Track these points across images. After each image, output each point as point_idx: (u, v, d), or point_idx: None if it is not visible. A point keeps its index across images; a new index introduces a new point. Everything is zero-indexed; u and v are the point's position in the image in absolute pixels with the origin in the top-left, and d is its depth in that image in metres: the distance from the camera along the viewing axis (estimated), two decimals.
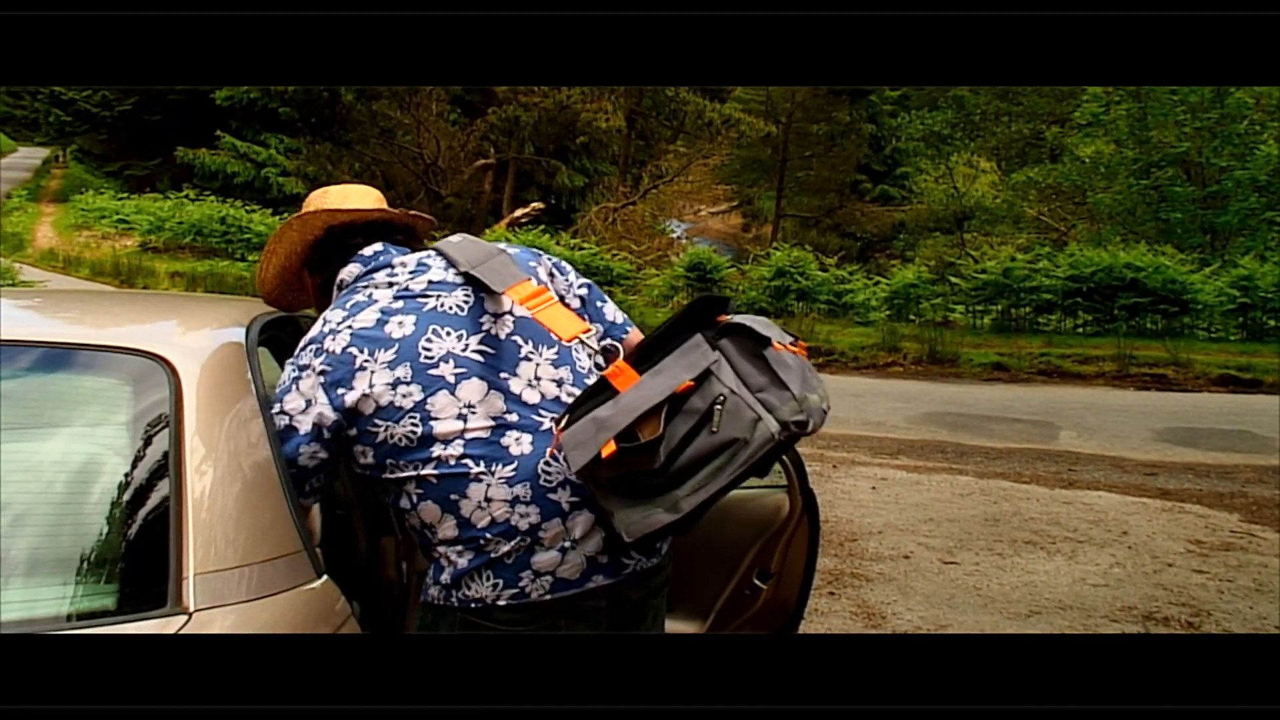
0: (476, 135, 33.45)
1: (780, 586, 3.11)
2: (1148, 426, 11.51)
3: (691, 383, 1.97)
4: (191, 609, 1.75)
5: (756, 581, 3.09)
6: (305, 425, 2.13)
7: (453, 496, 2.10)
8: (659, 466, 1.93)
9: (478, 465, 2.10)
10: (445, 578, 2.13)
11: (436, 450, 2.11)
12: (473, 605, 2.09)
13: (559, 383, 2.21)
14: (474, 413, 2.12)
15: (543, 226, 25.68)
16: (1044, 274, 19.41)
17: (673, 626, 3.17)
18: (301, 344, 2.23)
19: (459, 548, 2.11)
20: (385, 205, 2.54)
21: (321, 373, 2.15)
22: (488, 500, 2.09)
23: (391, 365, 2.14)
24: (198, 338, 2.32)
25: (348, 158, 33.33)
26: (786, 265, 21.43)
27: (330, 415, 2.13)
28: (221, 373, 2.16)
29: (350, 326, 2.19)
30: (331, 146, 33.14)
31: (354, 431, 2.14)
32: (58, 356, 2.13)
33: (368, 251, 2.38)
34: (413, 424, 2.11)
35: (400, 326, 2.19)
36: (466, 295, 2.25)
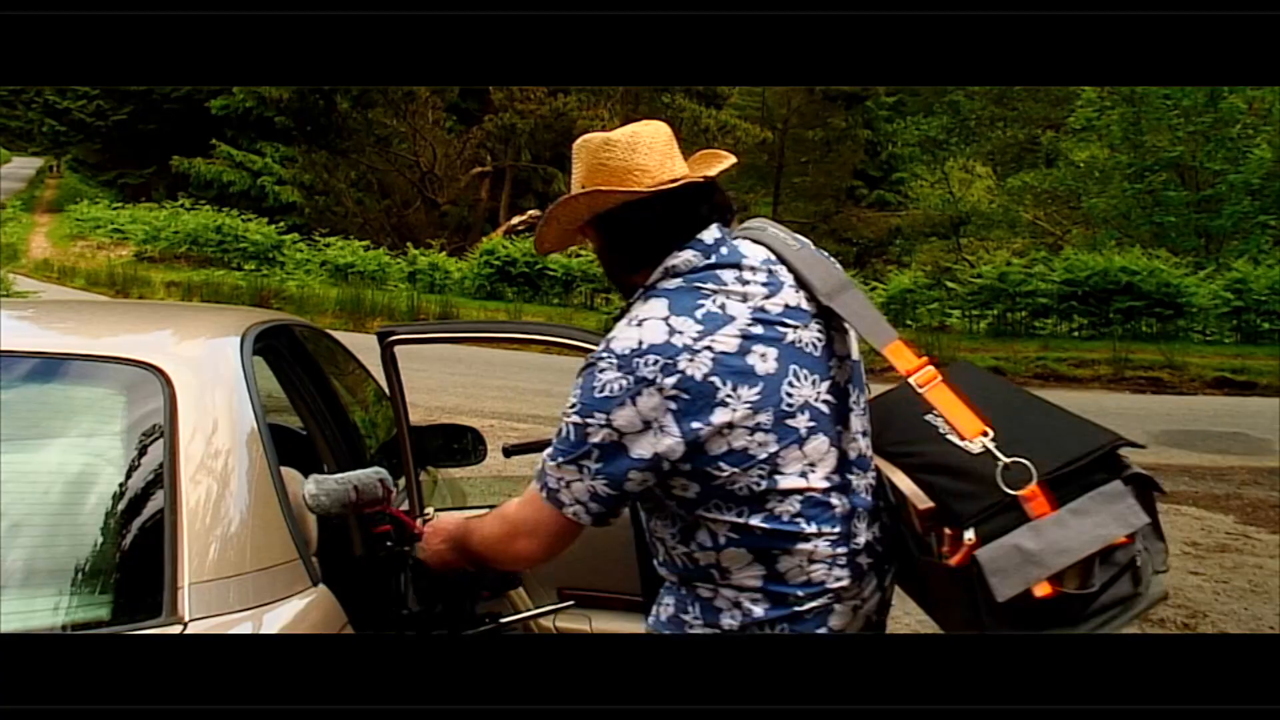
0: (473, 143, 33.42)
1: None
2: (1143, 429, 11.50)
3: (1127, 539, 1.89)
4: (187, 618, 1.75)
5: None
6: (642, 449, 1.91)
7: (774, 551, 1.96)
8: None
9: (810, 525, 1.97)
10: (729, 622, 1.99)
11: (772, 504, 1.95)
12: None
13: (864, 434, 2.08)
14: (814, 470, 1.98)
15: None
16: (1040, 278, 19.45)
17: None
18: (636, 345, 1.93)
19: (756, 595, 1.98)
20: (679, 157, 2.16)
21: (673, 398, 1.89)
22: (810, 561, 1.97)
23: (755, 408, 1.92)
24: (192, 347, 2.32)
25: (344, 166, 33.29)
26: None
27: (679, 449, 1.90)
28: (216, 382, 2.16)
29: (710, 348, 1.92)
30: (328, 155, 33.05)
31: (687, 466, 1.92)
32: (52, 367, 2.13)
33: (706, 238, 2.07)
34: (759, 475, 1.93)
35: (763, 360, 1.95)
36: (820, 331, 2.04)
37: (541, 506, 2.00)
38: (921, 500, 1.97)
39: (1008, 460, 1.90)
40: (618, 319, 2.06)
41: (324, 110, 32.18)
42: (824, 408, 2.00)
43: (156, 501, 1.88)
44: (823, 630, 1.99)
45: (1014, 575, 1.84)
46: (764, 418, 1.92)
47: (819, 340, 2.02)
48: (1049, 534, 1.85)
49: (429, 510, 2.90)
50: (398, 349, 3.16)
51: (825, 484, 1.98)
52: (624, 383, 1.91)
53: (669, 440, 1.90)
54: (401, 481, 3.06)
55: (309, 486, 2.29)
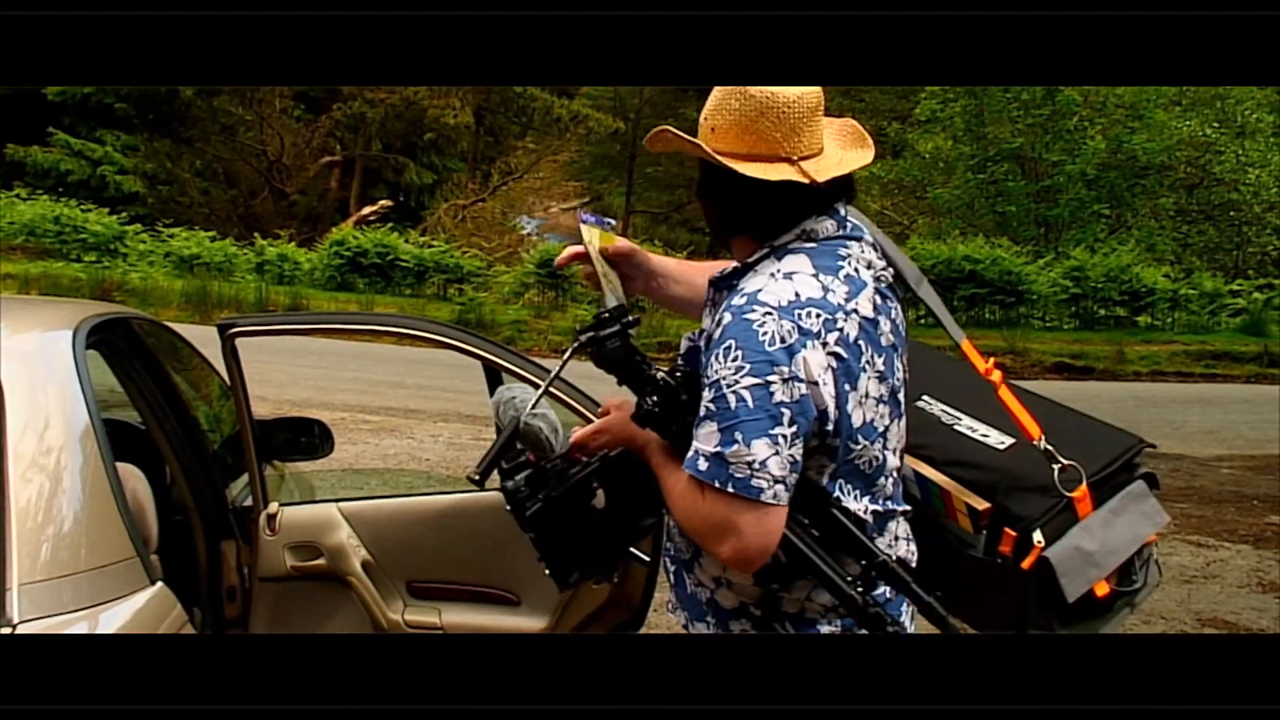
0: (321, 132, 32.81)
1: (625, 581, 3.13)
2: None
3: (1156, 538, 2.14)
4: (15, 620, 1.70)
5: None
6: (821, 403, 1.79)
7: (874, 534, 1.92)
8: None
9: (898, 504, 1.99)
10: (828, 629, 1.93)
11: (880, 482, 1.94)
12: None
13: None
14: (897, 449, 1.99)
15: (391, 224, 25.24)
16: None
17: (519, 622, 3.17)
18: (794, 297, 1.82)
19: (854, 581, 1.90)
20: (821, 124, 2.00)
21: (834, 355, 1.81)
22: (895, 539, 1.98)
23: (881, 377, 1.90)
24: (21, 341, 2.24)
25: (188, 155, 32.35)
26: None
27: (833, 413, 1.81)
28: (48, 377, 2.09)
29: (856, 310, 1.87)
30: (171, 143, 32.06)
31: (835, 441, 1.85)
32: None
33: (842, 210, 2.00)
34: (880, 448, 1.91)
35: (885, 333, 1.94)
36: (901, 314, 2.02)
37: (736, 505, 1.77)
38: (978, 501, 2.08)
39: (1066, 463, 2.06)
40: (732, 276, 1.97)
41: (167, 98, 31.24)
42: (902, 389, 2.01)
43: None
44: (907, 606, 2.00)
45: (1078, 576, 2.01)
46: (885, 388, 1.92)
47: (903, 323, 2.02)
48: (1099, 535, 2.04)
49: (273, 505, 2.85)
50: (240, 341, 3.10)
51: (899, 463, 2.02)
52: (786, 329, 1.78)
53: (829, 404, 1.80)
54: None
55: (512, 393, 2.11)
